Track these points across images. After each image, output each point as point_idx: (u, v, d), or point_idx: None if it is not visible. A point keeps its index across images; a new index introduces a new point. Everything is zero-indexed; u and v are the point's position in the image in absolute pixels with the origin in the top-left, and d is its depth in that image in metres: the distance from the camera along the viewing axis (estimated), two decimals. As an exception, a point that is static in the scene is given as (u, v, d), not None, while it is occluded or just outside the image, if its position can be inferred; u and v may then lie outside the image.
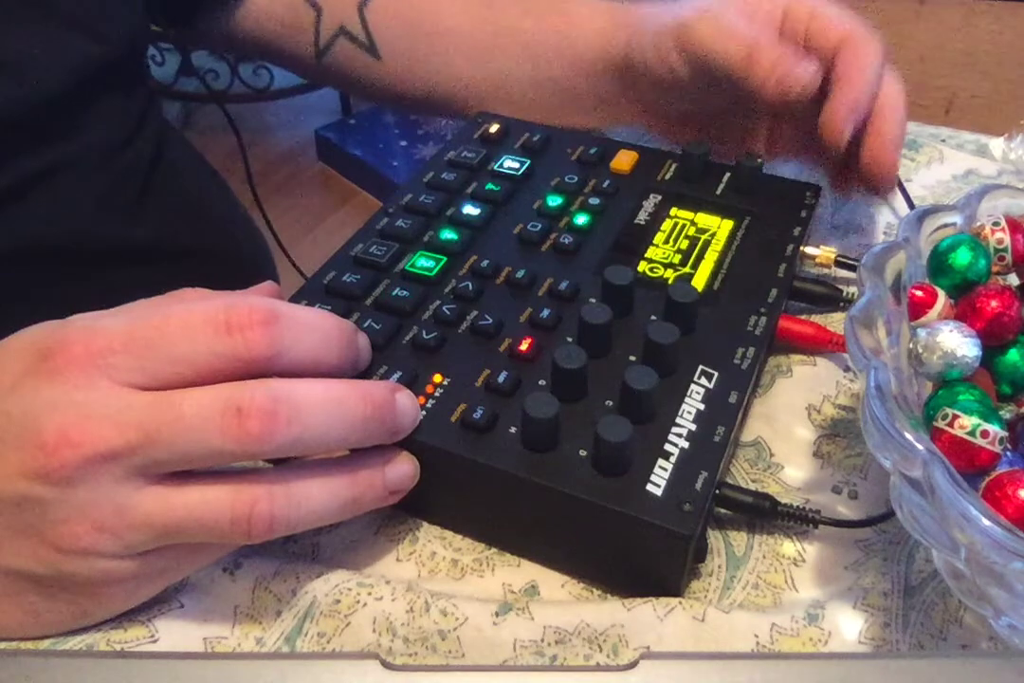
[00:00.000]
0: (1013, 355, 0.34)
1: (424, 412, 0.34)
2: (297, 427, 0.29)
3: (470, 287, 0.39)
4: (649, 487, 0.32)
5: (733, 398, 0.36)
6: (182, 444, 0.28)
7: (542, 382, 0.36)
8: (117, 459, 0.28)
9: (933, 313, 0.34)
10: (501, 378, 0.35)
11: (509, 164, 0.47)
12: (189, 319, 0.29)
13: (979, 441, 0.29)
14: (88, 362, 0.29)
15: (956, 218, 0.37)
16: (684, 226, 0.44)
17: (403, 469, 0.33)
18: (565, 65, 0.51)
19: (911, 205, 0.53)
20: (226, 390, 0.29)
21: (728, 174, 0.47)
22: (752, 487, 0.38)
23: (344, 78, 0.60)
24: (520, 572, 0.36)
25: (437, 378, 0.36)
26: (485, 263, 0.41)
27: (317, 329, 0.31)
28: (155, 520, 0.29)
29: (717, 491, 0.34)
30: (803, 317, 0.44)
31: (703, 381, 0.36)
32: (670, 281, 0.41)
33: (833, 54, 0.44)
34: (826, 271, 0.47)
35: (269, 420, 0.28)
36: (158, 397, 0.29)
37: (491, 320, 0.38)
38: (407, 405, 0.33)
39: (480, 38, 0.54)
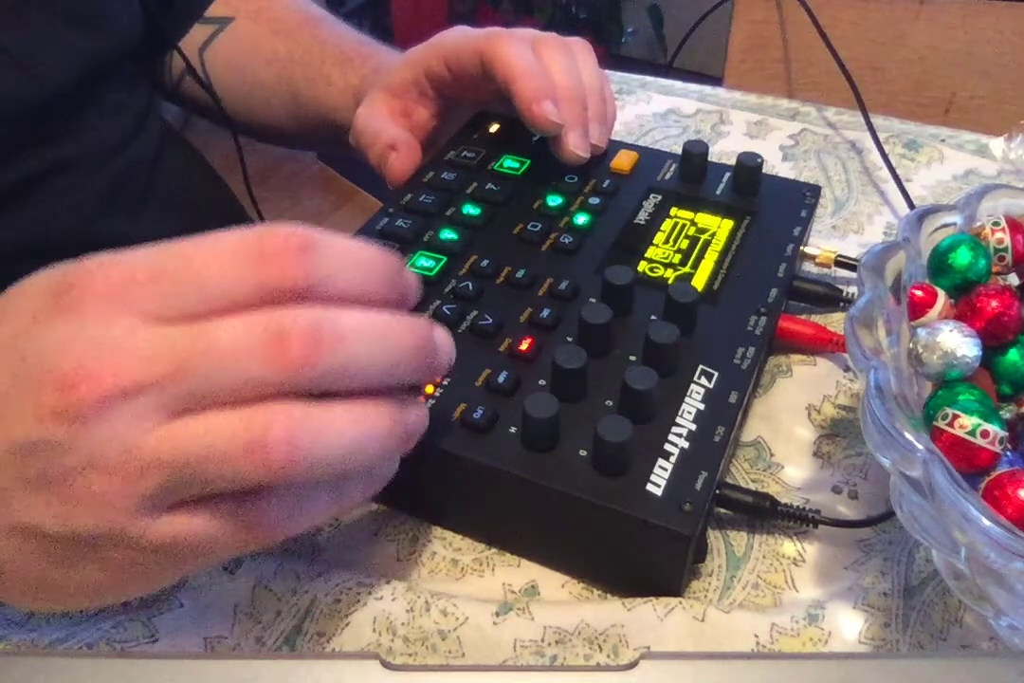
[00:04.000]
0: (1013, 355, 0.34)
1: (424, 412, 0.34)
2: (342, 355, 0.26)
3: (470, 287, 0.39)
4: (649, 487, 0.32)
5: (733, 398, 0.36)
6: (217, 374, 0.26)
7: (542, 382, 0.36)
8: (142, 394, 0.25)
9: (933, 313, 0.34)
10: (501, 378, 0.35)
11: (509, 164, 0.47)
12: (220, 247, 0.27)
13: (979, 441, 0.29)
14: (109, 296, 0.26)
15: (956, 218, 0.37)
16: (684, 226, 0.44)
17: (419, 411, 0.30)
18: (336, 127, 0.56)
19: (911, 205, 0.53)
20: (265, 315, 0.26)
21: (728, 174, 0.47)
22: (752, 487, 0.38)
23: (198, 110, 0.64)
24: (520, 572, 0.36)
25: (437, 378, 0.36)
26: (485, 263, 0.41)
27: (360, 259, 0.28)
28: (163, 456, 0.26)
29: (717, 491, 0.34)
30: (803, 317, 0.44)
31: (703, 381, 0.36)
32: (670, 281, 0.41)
33: (487, 71, 0.45)
34: (826, 271, 0.47)
35: (313, 345, 0.26)
36: (188, 327, 0.26)
37: (491, 320, 0.38)
38: (445, 342, 0.30)
39: (284, 96, 0.59)
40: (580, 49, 0.48)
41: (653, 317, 0.38)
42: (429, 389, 0.35)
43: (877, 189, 0.56)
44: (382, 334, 0.27)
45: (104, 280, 0.26)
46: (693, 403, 0.35)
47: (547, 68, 0.44)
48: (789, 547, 0.36)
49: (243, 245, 0.26)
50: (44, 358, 0.26)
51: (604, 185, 0.46)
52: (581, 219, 0.44)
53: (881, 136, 0.57)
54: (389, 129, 0.48)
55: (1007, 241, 0.36)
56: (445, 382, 0.36)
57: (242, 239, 0.27)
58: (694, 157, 0.47)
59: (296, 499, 0.28)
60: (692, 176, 0.47)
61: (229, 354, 0.26)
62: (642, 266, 0.42)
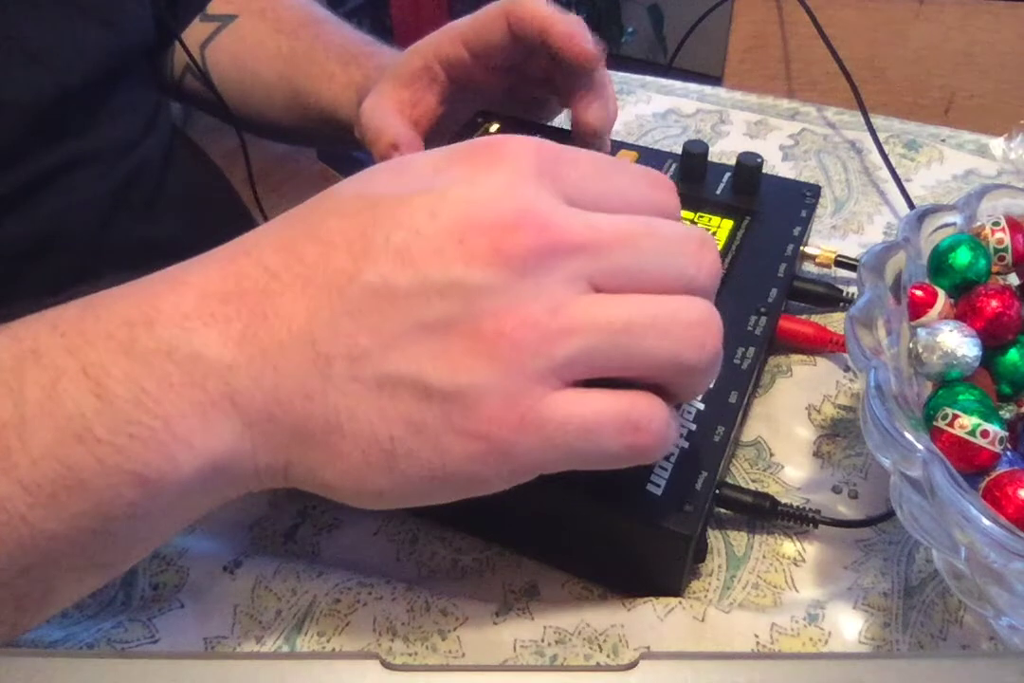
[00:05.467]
0: (1013, 355, 0.34)
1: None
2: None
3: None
4: (649, 487, 0.32)
5: (733, 398, 0.36)
6: (652, 256, 0.26)
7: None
8: (578, 256, 0.25)
9: (933, 313, 0.34)
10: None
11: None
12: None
13: (979, 441, 0.29)
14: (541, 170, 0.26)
15: (956, 218, 0.37)
16: (684, 226, 0.44)
17: None
18: (337, 124, 0.56)
19: (911, 205, 0.53)
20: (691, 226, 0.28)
21: (728, 174, 0.47)
22: (752, 487, 0.38)
23: (200, 105, 0.64)
24: (520, 572, 0.36)
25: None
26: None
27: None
28: (591, 321, 0.25)
29: (717, 491, 0.34)
30: (803, 317, 0.44)
31: (703, 381, 0.36)
32: (670, 281, 0.41)
33: (515, 31, 0.44)
34: (826, 271, 0.47)
35: (719, 268, 0.28)
36: (628, 215, 0.27)
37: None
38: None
39: (285, 93, 0.59)
40: None
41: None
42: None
43: (877, 189, 0.56)
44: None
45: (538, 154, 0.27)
46: (693, 403, 0.35)
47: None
48: (789, 547, 0.36)
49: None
50: (475, 201, 0.25)
51: (604, 185, 0.46)
52: (581, 219, 0.44)
53: (881, 136, 0.57)
54: (392, 127, 0.48)
55: (1007, 241, 0.36)
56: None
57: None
58: (694, 157, 0.47)
59: (672, 418, 0.27)
60: (692, 176, 0.47)
61: (667, 242, 0.26)
62: (642, 266, 0.42)
